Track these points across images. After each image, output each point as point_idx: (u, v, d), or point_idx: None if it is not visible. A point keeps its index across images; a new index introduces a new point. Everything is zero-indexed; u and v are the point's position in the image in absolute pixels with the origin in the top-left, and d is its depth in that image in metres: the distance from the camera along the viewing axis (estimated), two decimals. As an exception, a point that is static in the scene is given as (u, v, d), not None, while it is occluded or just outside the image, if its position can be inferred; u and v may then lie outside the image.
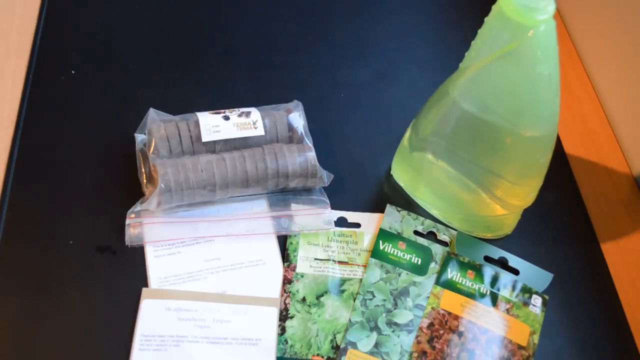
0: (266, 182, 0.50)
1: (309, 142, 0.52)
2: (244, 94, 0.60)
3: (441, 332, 0.47)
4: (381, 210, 0.53)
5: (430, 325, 0.47)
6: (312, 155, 0.50)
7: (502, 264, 0.51)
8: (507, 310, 0.48)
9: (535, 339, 0.48)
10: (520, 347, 0.47)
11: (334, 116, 0.59)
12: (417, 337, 0.47)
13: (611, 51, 0.63)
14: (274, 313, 0.47)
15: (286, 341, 0.46)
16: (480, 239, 0.52)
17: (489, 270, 0.50)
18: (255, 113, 0.51)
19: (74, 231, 0.49)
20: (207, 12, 0.66)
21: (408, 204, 0.54)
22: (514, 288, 0.49)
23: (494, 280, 0.49)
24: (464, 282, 0.49)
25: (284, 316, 0.47)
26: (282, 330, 0.46)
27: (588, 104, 0.65)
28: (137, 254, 0.48)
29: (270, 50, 0.64)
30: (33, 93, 0.57)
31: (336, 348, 0.46)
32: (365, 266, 0.50)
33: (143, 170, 0.50)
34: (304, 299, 0.48)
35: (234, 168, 0.48)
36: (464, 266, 0.50)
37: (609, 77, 0.64)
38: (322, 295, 0.48)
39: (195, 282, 0.48)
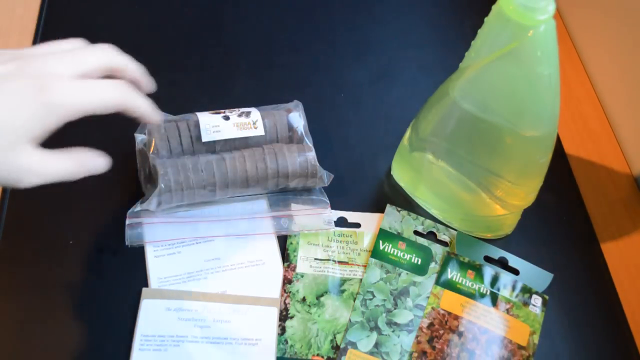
0: (266, 182, 0.50)
1: (309, 142, 0.52)
2: (244, 94, 0.60)
3: (441, 332, 0.47)
4: (381, 210, 0.53)
5: (430, 325, 0.47)
6: (312, 155, 0.50)
7: (502, 264, 0.51)
8: (507, 310, 0.48)
9: (535, 339, 0.48)
10: (520, 347, 0.47)
11: (334, 116, 0.59)
12: (417, 337, 0.47)
13: (611, 51, 0.63)
14: (274, 313, 0.47)
15: (286, 341, 0.46)
16: (480, 239, 0.52)
17: (489, 270, 0.50)
18: (255, 113, 0.51)
19: (74, 231, 0.49)
20: (208, 12, 0.66)
21: (408, 204, 0.54)
22: (514, 288, 0.49)
23: (494, 280, 0.49)
24: (464, 282, 0.49)
25: (284, 316, 0.47)
26: (282, 330, 0.46)
27: (588, 104, 0.65)
28: (137, 254, 0.48)
29: (270, 50, 0.64)
30: (33, 93, 0.57)
31: (336, 348, 0.46)
32: (365, 266, 0.50)
33: (143, 170, 0.50)
34: (304, 299, 0.48)
35: (234, 168, 0.48)
36: (464, 266, 0.50)
37: (609, 77, 0.64)
38: (322, 295, 0.48)
39: (195, 282, 0.48)
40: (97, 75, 0.38)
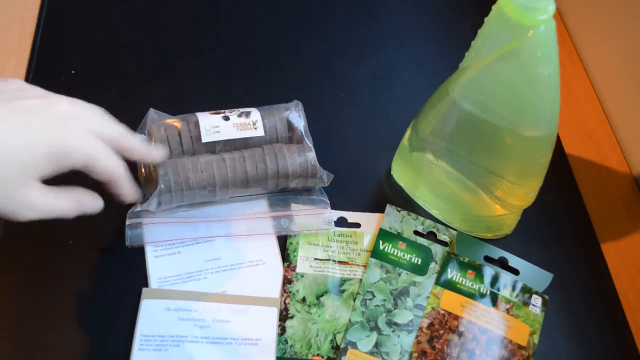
0: (266, 183, 0.50)
1: (309, 142, 0.52)
2: (244, 94, 0.60)
3: (441, 332, 0.47)
4: (381, 210, 0.53)
5: (430, 325, 0.47)
6: (312, 155, 0.50)
7: (502, 264, 0.51)
8: (507, 310, 0.48)
9: (535, 339, 0.48)
10: (520, 347, 0.47)
11: (334, 116, 0.59)
12: (417, 337, 0.47)
13: (611, 51, 0.63)
14: (274, 313, 0.47)
15: (286, 341, 0.46)
16: (480, 239, 0.52)
17: (489, 270, 0.50)
18: (255, 113, 0.51)
19: (74, 231, 0.49)
20: (207, 12, 0.66)
21: (408, 204, 0.54)
22: (514, 288, 0.49)
23: (494, 280, 0.49)
24: (464, 282, 0.49)
25: (284, 316, 0.47)
26: (282, 330, 0.46)
27: (588, 104, 0.65)
28: (137, 254, 0.48)
29: (270, 50, 0.64)
30: (33, 93, 0.57)
31: (336, 348, 0.46)
32: (365, 266, 0.50)
33: (143, 170, 0.50)
34: (304, 299, 0.48)
35: (234, 168, 0.48)
36: (464, 266, 0.50)
37: (609, 77, 0.64)
38: (322, 295, 0.48)
39: (195, 282, 0.48)
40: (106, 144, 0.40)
